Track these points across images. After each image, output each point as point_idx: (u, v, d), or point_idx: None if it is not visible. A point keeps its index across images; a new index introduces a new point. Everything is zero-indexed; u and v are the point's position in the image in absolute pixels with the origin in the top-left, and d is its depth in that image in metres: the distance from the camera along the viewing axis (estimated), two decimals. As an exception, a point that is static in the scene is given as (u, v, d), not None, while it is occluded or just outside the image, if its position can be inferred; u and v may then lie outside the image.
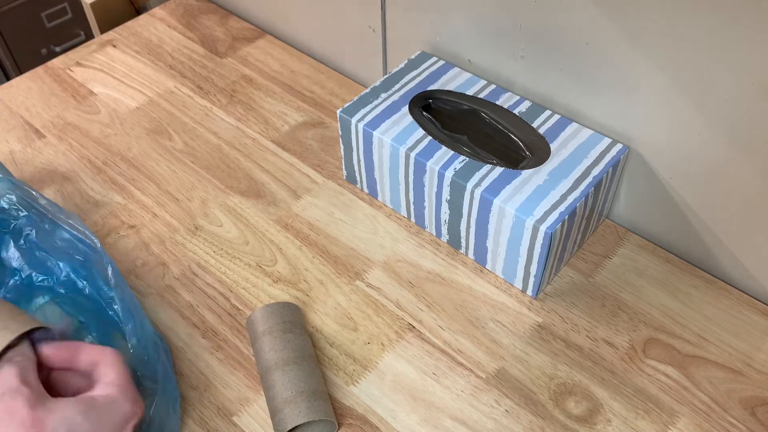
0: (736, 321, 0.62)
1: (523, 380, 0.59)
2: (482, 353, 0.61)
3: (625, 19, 0.58)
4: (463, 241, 0.67)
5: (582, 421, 0.56)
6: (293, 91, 0.86)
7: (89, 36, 1.62)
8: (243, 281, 0.66)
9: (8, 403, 0.44)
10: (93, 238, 0.57)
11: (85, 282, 0.59)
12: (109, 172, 0.77)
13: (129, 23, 0.97)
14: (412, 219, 0.71)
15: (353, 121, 0.67)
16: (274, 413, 0.54)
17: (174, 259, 0.68)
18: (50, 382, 0.50)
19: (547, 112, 0.67)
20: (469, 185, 0.61)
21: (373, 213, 0.72)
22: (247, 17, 0.98)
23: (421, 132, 0.66)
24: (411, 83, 0.71)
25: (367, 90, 0.70)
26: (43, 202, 0.60)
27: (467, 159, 0.63)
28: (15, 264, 0.60)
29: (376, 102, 0.69)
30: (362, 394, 0.58)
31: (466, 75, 0.72)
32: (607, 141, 0.64)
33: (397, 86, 0.70)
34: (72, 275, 0.59)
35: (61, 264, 0.59)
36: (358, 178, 0.74)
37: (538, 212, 0.59)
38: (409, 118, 0.67)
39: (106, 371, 0.49)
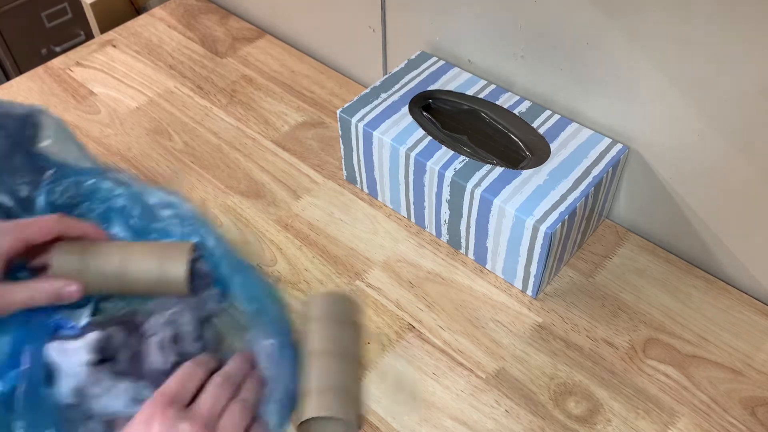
0: (736, 321, 0.62)
1: (523, 380, 0.59)
2: (482, 353, 0.61)
3: (625, 19, 0.58)
4: (463, 241, 0.67)
5: (582, 421, 0.56)
6: (293, 91, 0.86)
7: (89, 36, 1.62)
8: (243, 281, 0.66)
9: None
10: (189, 206, 0.61)
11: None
12: (109, 172, 0.77)
13: (129, 23, 0.97)
14: (412, 219, 0.71)
15: (353, 121, 0.67)
16: (302, 396, 0.53)
17: (174, 259, 0.68)
18: None
19: (547, 112, 0.67)
20: (469, 185, 0.61)
21: (373, 213, 0.72)
22: (247, 17, 0.98)
23: (421, 132, 0.66)
24: (411, 83, 0.71)
25: (367, 90, 0.70)
26: (128, 179, 0.64)
27: (467, 159, 0.63)
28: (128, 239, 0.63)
29: (376, 102, 0.69)
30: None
31: (466, 75, 0.72)
32: (607, 141, 0.64)
33: (397, 86, 0.70)
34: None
35: (171, 232, 0.61)
36: (358, 178, 0.74)
37: (538, 212, 0.59)
38: (409, 118, 0.67)
39: None
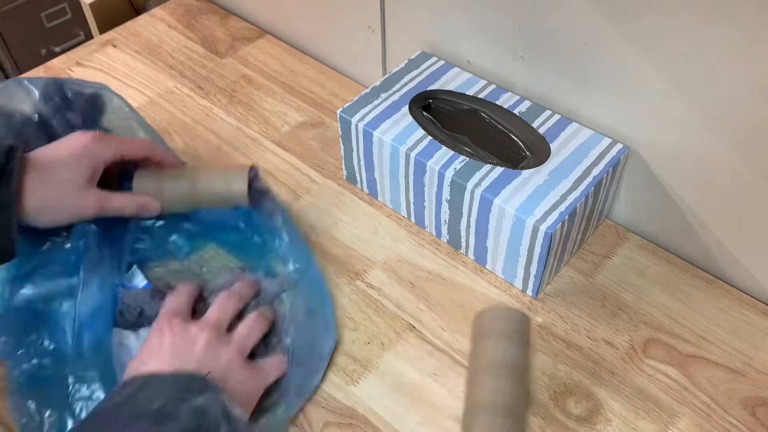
0: (737, 321, 0.62)
1: (523, 380, 0.59)
2: (482, 353, 0.61)
3: (625, 19, 0.58)
4: (463, 241, 0.67)
5: (582, 421, 0.56)
6: (293, 91, 0.86)
7: (89, 36, 1.62)
8: (243, 281, 0.66)
9: None
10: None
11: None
12: (109, 172, 0.77)
13: (129, 23, 0.97)
14: (412, 219, 0.71)
15: (353, 121, 0.67)
16: (469, 411, 0.48)
17: (174, 259, 0.68)
18: None
19: (547, 112, 0.67)
20: (469, 185, 0.61)
21: (373, 213, 0.72)
22: (247, 17, 0.98)
23: (421, 132, 0.66)
24: (411, 83, 0.71)
25: (367, 90, 0.70)
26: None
27: (467, 159, 0.63)
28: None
29: (376, 102, 0.69)
30: (362, 394, 0.58)
31: (467, 75, 0.72)
32: (607, 141, 0.64)
33: (397, 86, 0.70)
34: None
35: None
36: (358, 178, 0.74)
37: (538, 212, 0.59)
38: (409, 118, 0.67)
39: None
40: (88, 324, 0.57)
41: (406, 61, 0.73)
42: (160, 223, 0.67)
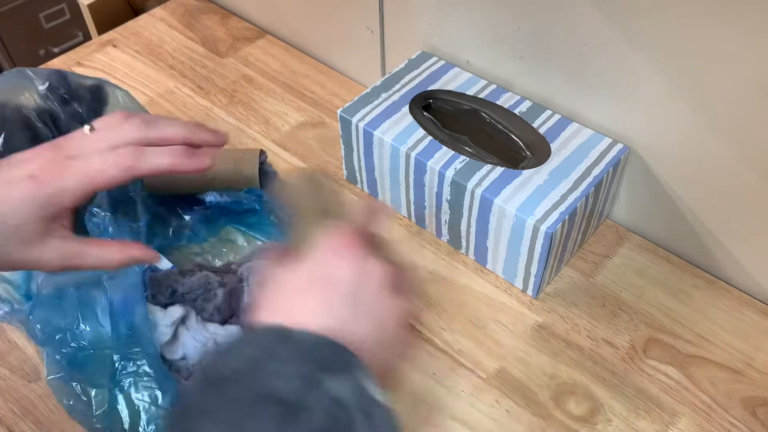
0: (737, 321, 0.63)
1: (523, 380, 0.59)
2: (483, 353, 0.61)
3: (624, 19, 0.58)
4: (463, 241, 0.67)
5: (582, 421, 0.56)
6: (294, 91, 0.86)
7: (87, 37, 1.62)
8: (243, 281, 0.66)
9: None
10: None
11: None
12: (109, 172, 0.77)
13: (129, 23, 0.97)
14: (413, 219, 0.71)
15: (354, 121, 0.67)
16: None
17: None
18: None
19: (548, 112, 0.67)
20: (470, 185, 0.61)
21: (373, 213, 0.72)
22: (247, 17, 0.98)
23: (421, 132, 0.66)
24: (411, 83, 0.71)
25: (368, 90, 0.70)
26: None
27: (467, 159, 0.63)
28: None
29: (376, 102, 0.69)
30: (363, 393, 0.58)
31: (467, 75, 0.72)
32: (607, 141, 0.64)
33: (397, 86, 0.70)
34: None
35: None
36: (358, 178, 0.74)
37: (539, 212, 0.59)
38: (410, 118, 0.67)
39: None
40: (122, 310, 0.57)
41: (406, 61, 0.73)
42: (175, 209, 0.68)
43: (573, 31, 0.62)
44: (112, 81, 0.87)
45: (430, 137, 0.65)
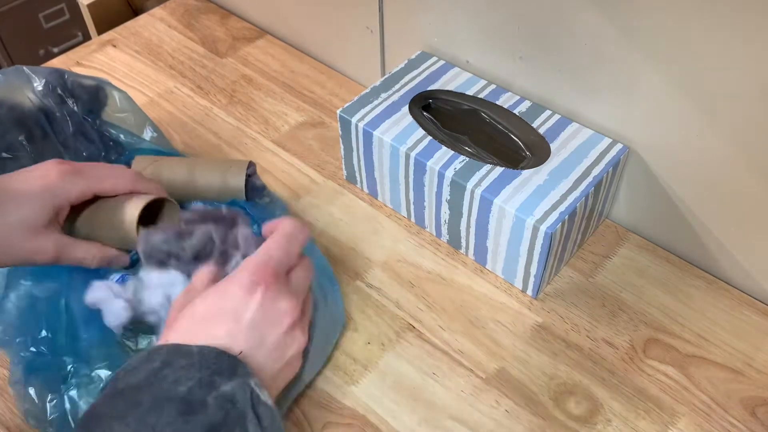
0: (737, 321, 0.63)
1: (523, 380, 0.59)
2: (482, 353, 0.61)
3: (624, 19, 0.58)
4: (463, 241, 0.67)
5: (582, 422, 0.56)
6: (293, 91, 0.86)
7: (87, 37, 1.62)
8: (243, 281, 0.66)
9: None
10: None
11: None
12: (109, 172, 0.77)
13: (129, 23, 0.97)
14: (412, 219, 0.71)
15: (353, 121, 0.67)
16: None
17: (174, 259, 0.68)
18: None
19: (547, 112, 0.67)
20: (469, 185, 0.61)
21: (373, 213, 0.72)
22: (247, 17, 0.98)
23: (421, 132, 0.66)
24: (411, 83, 0.71)
25: (367, 90, 0.70)
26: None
27: (467, 159, 0.63)
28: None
29: (376, 102, 0.69)
30: (362, 394, 0.58)
31: (467, 75, 0.72)
32: (607, 141, 0.64)
33: (397, 86, 0.70)
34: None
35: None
36: (358, 178, 0.74)
37: (539, 212, 0.59)
38: (409, 118, 0.67)
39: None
40: (84, 318, 0.56)
41: (406, 61, 0.73)
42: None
43: (573, 31, 0.62)
44: (112, 81, 0.87)
45: (429, 137, 0.65)
